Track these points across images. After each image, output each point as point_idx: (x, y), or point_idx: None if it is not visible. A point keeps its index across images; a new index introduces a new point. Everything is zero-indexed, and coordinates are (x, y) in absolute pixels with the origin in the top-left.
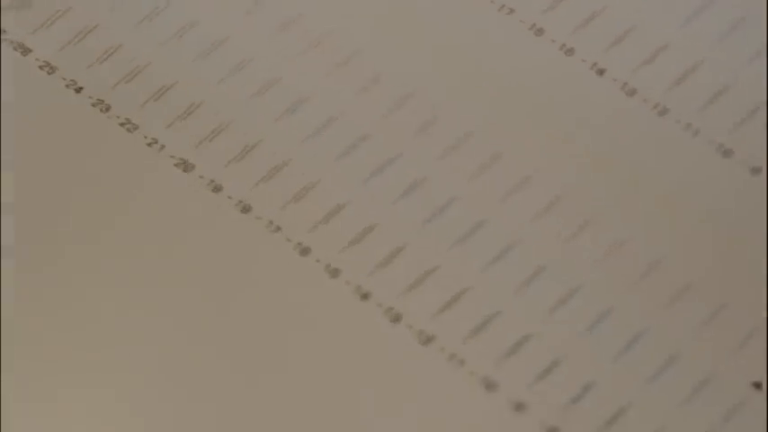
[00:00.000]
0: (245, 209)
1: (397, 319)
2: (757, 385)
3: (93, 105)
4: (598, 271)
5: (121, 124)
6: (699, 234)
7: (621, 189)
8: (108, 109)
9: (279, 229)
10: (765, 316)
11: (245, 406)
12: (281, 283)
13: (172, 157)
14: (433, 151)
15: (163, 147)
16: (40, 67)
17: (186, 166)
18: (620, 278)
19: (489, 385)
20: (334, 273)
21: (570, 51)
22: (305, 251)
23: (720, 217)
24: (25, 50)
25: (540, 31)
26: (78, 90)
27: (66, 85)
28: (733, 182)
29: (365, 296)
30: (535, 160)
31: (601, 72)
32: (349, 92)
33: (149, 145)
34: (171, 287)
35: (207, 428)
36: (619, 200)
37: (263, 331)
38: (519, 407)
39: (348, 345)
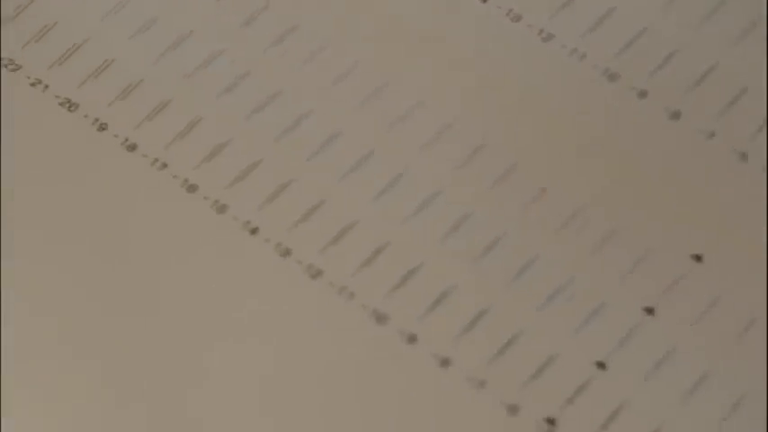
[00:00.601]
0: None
1: (286, 253)
2: (649, 310)
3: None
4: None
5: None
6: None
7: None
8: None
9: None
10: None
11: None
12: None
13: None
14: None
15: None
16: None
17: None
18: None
19: (380, 317)
20: (222, 209)
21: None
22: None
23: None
24: None
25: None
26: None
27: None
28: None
29: (254, 231)
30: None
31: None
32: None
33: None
34: None
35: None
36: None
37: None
38: (410, 338)
39: (236, 279)
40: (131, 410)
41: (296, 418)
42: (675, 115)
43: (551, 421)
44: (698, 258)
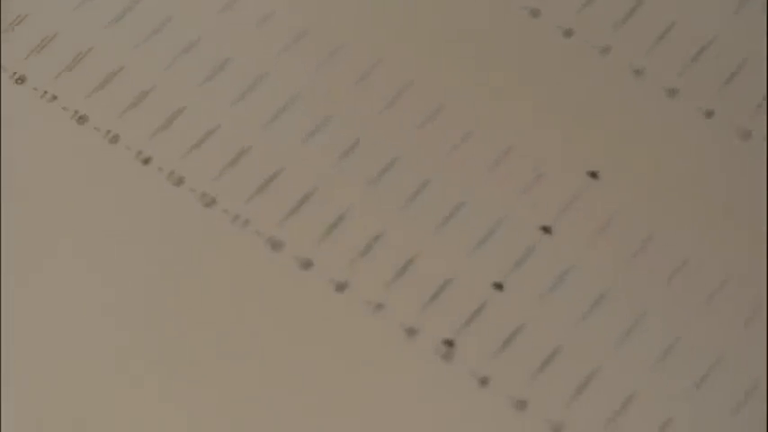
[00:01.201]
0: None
1: (179, 182)
2: (546, 229)
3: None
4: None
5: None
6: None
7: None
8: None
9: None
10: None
11: None
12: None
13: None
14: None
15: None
16: None
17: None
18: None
19: (275, 245)
20: (115, 138)
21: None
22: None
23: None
24: None
25: None
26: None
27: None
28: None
29: (146, 161)
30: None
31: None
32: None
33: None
34: None
35: None
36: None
37: None
38: (306, 264)
39: (130, 209)
40: None
41: (189, 339)
42: (568, 33)
43: (449, 342)
44: (593, 175)
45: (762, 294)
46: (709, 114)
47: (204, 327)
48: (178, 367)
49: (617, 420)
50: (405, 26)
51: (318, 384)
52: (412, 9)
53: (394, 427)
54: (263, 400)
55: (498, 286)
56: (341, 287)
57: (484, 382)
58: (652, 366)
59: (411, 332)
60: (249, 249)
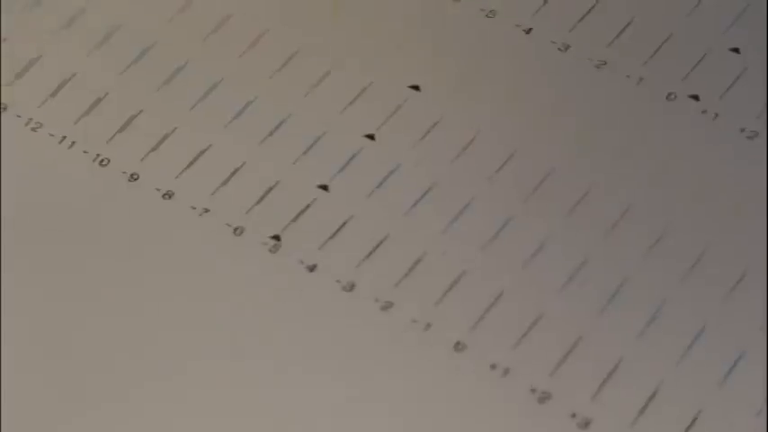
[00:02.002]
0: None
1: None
2: (370, 137)
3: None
4: None
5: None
6: None
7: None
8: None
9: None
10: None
11: None
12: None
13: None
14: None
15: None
16: None
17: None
18: None
19: (203, 212)
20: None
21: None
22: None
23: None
24: None
25: None
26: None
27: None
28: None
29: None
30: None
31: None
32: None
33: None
34: None
35: None
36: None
37: None
38: (237, 230)
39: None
40: None
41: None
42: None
43: (276, 237)
44: (416, 88)
45: None
46: (534, 32)
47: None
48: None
49: (445, 298)
50: None
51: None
52: None
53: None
54: None
55: (324, 187)
56: (168, 195)
57: (312, 269)
58: (479, 249)
59: (239, 230)
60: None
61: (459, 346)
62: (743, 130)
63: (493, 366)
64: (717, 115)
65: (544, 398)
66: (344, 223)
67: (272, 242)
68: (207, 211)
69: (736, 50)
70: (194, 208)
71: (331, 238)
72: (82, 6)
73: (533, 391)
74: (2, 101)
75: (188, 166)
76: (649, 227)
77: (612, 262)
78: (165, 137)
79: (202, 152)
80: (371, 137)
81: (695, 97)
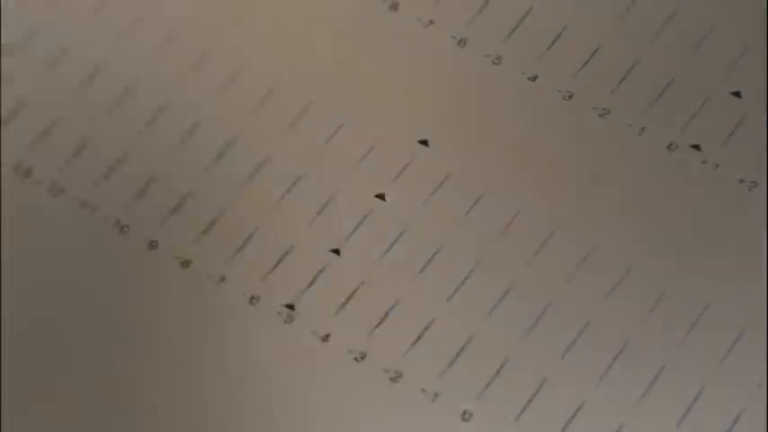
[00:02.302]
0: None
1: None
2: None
3: None
4: None
5: None
6: None
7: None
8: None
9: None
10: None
11: None
12: None
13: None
14: None
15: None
16: None
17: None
18: None
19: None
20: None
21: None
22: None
23: None
24: None
25: None
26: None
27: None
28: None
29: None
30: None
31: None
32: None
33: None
34: None
35: None
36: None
37: None
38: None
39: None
40: None
41: None
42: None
43: (290, 306)
44: (424, 143)
45: None
46: (533, 78)
47: None
48: None
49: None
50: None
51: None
52: None
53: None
54: None
55: (336, 252)
56: (186, 264)
57: (324, 339)
58: (486, 315)
59: (255, 299)
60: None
61: (465, 416)
62: (742, 181)
63: None
64: (717, 166)
65: None
66: (356, 290)
67: (287, 311)
68: (223, 279)
69: (737, 94)
70: (211, 276)
71: (343, 306)
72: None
73: None
74: None
75: (204, 233)
76: (648, 288)
77: (613, 324)
78: (182, 200)
79: (219, 215)
80: (382, 197)
81: (696, 147)
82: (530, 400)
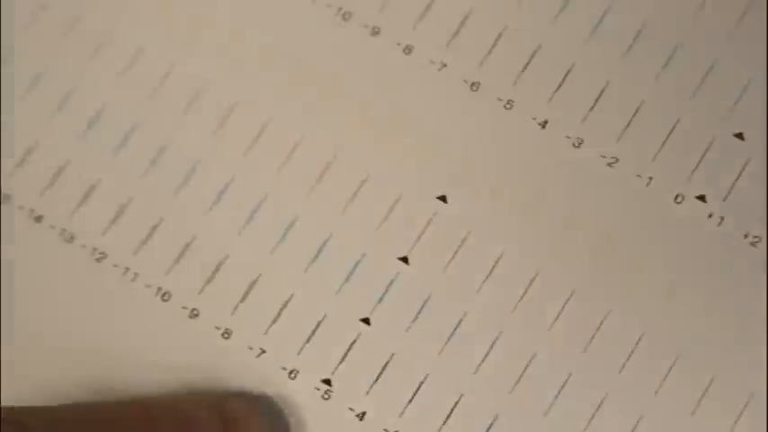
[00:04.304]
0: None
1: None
2: (404, 260)
3: None
4: None
5: None
6: None
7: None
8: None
9: None
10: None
11: None
12: None
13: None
14: None
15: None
16: None
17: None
18: None
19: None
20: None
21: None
22: None
23: None
24: None
25: None
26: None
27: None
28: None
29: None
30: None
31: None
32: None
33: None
34: None
35: None
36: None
37: None
38: (292, 373)
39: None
40: None
41: None
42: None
43: (327, 381)
44: (443, 199)
45: None
46: (543, 125)
47: None
48: None
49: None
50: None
51: None
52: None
53: None
54: None
55: (366, 321)
56: (228, 334)
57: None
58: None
59: (294, 373)
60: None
61: None
62: (746, 236)
63: None
64: (722, 219)
65: None
66: (387, 363)
67: (325, 387)
68: (263, 351)
69: (740, 136)
70: (251, 348)
71: (376, 381)
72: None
73: None
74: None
75: (242, 300)
76: (662, 353)
77: (629, 399)
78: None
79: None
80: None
81: (702, 198)
82: None
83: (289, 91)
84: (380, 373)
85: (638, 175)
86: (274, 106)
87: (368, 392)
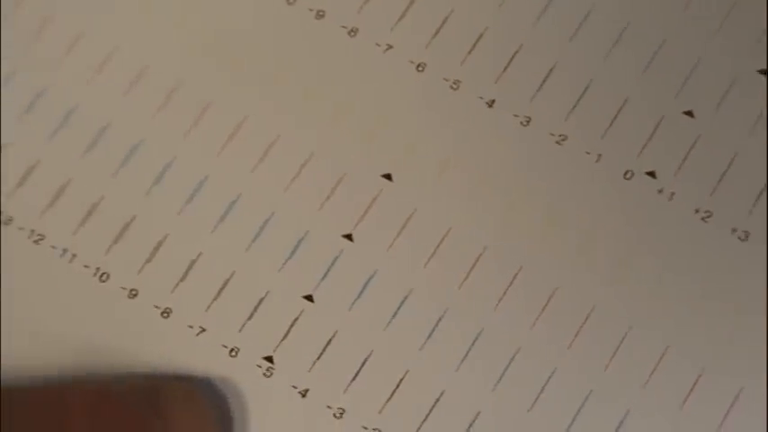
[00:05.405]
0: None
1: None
2: (348, 237)
3: None
4: None
5: None
6: None
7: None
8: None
9: None
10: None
11: None
12: None
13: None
14: None
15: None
16: None
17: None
18: None
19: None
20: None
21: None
22: None
23: None
24: None
25: None
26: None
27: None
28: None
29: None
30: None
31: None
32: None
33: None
34: None
35: None
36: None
37: None
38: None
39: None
40: None
41: None
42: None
43: (269, 359)
44: (388, 177)
45: None
46: (491, 104)
47: None
48: None
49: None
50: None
51: None
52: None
53: None
54: None
55: (309, 298)
56: (168, 313)
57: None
58: (458, 364)
59: (234, 351)
60: None
61: None
62: (697, 211)
63: None
64: (673, 195)
65: None
66: (330, 340)
67: (267, 364)
68: (204, 330)
69: (689, 114)
70: (191, 327)
71: (318, 358)
72: None
73: None
74: None
75: (182, 279)
76: (613, 325)
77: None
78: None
79: (193, 261)
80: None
81: (652, 174)
82: None
83: (233, 76)
84: (324, 350)
85: (587, 152)
86: (218, 91)
87: (310, 370)
